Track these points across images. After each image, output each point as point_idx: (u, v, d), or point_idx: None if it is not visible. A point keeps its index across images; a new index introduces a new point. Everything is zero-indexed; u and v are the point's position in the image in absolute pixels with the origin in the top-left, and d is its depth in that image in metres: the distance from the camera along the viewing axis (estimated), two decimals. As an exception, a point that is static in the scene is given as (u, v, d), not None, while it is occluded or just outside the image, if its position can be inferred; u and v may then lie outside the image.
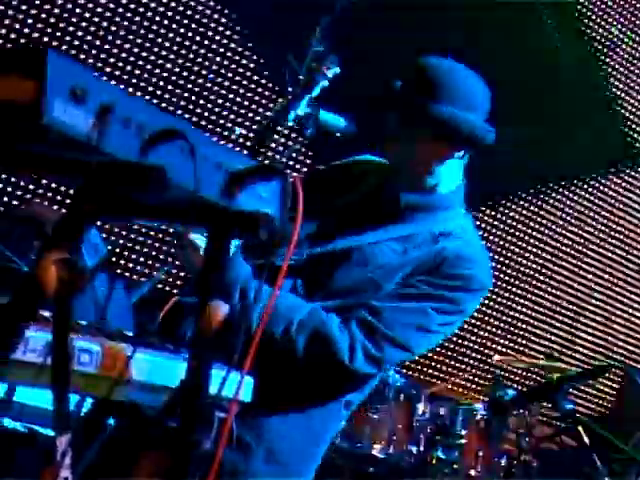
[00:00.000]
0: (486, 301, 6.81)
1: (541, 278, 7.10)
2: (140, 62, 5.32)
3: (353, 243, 2.48)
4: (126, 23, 5.25)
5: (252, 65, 5.69)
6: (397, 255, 2.45)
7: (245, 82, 5.69)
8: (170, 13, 5.38)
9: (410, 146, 2.48)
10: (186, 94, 5.50)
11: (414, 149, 2.48)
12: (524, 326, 7.04)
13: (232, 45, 5.61)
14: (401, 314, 2.39)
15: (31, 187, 4.98)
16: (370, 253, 2.45)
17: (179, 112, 5.41)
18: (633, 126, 7.31)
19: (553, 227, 7.13)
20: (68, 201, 5.04)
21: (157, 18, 5.35)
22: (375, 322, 2.36)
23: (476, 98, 2.49)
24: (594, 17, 7.00)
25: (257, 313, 2.13)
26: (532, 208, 7.01)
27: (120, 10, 5.24)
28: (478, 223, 6.59)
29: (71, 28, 5.07)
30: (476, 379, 6.81)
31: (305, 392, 2.47)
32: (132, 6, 5.28)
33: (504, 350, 6.88)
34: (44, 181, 4.95)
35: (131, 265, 5.35)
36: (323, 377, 2.45)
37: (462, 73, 2.50)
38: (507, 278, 6.93)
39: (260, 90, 5.73)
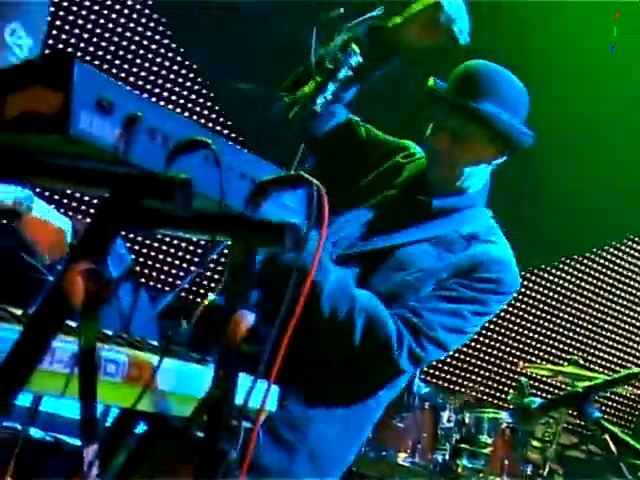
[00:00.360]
0: (515, 310, 6.78)
1: (570, 287, 7.05)
2: (163, 72, 5.34)
3: (386, 244, 2.50)
4: (149, 33, 5.27)
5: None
6: (434, 259, 2.48)
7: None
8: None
9: (451, 145, 2.49)
10: (209, 103, 5.51)
11: (455, 148, 2.49)
12: (553, 335, 6.99)
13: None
14: (440, 315, 2.44)
15: (56, 197, 5.00)
16: (406, 256, 2.48)
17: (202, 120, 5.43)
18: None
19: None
20: (93, 211, 5.06)
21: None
22: (418, 322, 2.41)
23: (519, 101, 2.52)
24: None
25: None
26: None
27: (143, 20, 5.26)
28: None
29: (95, 39, 5.10)
30: (501, 387, 6.77)
31: (347, 388, 2.49)
32: (155, 16, 5.30)
33: (531, 358, 6.84)
34: (69, 191, 4.98)
35: (155, 274, 5.37)
36: (367, 365, 2.46)
37: (505, 76, 2.52)
38: (538, 287, 6.89)
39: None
